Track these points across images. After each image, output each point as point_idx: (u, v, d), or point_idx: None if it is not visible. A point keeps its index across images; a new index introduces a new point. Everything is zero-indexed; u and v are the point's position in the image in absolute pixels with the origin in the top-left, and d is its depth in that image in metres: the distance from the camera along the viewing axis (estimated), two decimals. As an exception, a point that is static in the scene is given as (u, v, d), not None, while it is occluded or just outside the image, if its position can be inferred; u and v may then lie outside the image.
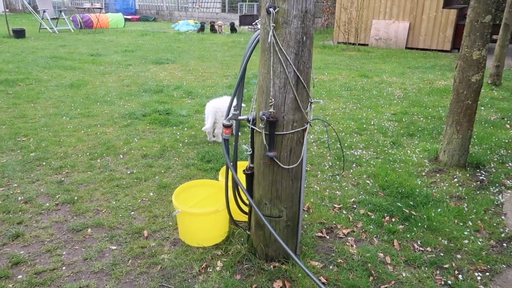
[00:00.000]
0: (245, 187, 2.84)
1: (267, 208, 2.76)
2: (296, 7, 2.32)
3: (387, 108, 6.93)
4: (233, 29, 18.52)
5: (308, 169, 4.51)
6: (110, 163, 4.51)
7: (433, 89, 8.27)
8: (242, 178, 2.85)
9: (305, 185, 2.89)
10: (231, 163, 2.78)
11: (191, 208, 3.11)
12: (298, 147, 2.62)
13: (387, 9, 14.25)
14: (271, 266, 2.85)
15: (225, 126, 2.71)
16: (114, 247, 3.09)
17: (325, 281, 2.76)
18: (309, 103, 2.63)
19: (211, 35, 17.62)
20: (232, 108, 2.73)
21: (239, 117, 2.72)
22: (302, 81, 2.47)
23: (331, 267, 2.92)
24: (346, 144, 5.21)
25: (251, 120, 2.68)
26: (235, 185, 2.96)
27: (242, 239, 3.13)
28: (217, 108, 5.11)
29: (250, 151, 2.77)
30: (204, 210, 3.00)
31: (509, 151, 5.11)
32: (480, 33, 4.05)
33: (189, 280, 2.76)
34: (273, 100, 2.48)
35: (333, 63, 11.23)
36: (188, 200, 3.29)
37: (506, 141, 5.43)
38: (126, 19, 21.30)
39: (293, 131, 2.55)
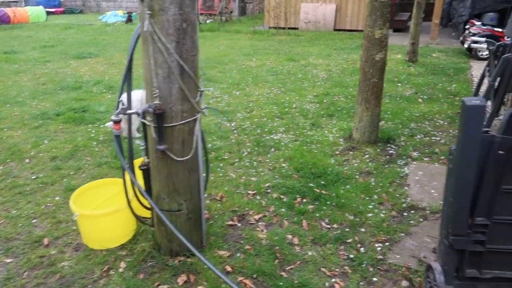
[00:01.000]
0: (143, 183, 2.74)
1: (165, 203, 2.69)
2: (170, -7, 2.23)
3: (310, 91, 7.06)
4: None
5: (226, 157, 4.48)
6: (13, 169, 4.20)
7: (356, 69, 8.53)
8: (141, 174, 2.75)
9: (203, 175, 2.83)
10: (125, 160, 2.67)
11: (90, 210, 2.97)
12: (190, 137, 2.56)
13: (313, -8, 14.47)
14: (176, 261, 2.80)
15: (114, 122, 2.58)
16: (9, 260, 2.88)
17: (230, 269, 2.76)
18: (199, 92, 2.57)
19: (140, 25, 16.97)
20: (120, 103, 2.61)
21: (128, 111, 2.61)
22: (188, 70, 2.40)
23: (238, 254, 2.92)
24: (266, 129, 5.24)
25: (141, 114, 2.58)
26: (147, 181, 2.86)
27: (149, 236, 3.05)
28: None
29: (143, 146, 2.67)
30: (103, 211, 2.88)
31: (419, 124, 5.40)
32: (380, 12, 4.18)
33: (89, 286, 2.64)
34: (157, 91, 2.39)
35: (262, 48, 11.26)
36: (92, 201, 3.14)
37: (417, 114, 5.73)
38: (49, 12, 20.00)
39: (183, 121, 2.49)
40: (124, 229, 3.01)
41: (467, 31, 9.69)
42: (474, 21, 9.98)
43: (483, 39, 8.25)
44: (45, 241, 3.07)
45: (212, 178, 4.01)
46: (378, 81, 4.40)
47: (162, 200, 2.69)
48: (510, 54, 4.45)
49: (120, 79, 7.73)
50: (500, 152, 2.18)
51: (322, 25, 14.41)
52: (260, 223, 3.32)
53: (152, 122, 2.45)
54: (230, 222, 3.32)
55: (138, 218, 2.99)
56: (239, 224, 3.31)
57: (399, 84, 7.36)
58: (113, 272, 2.75)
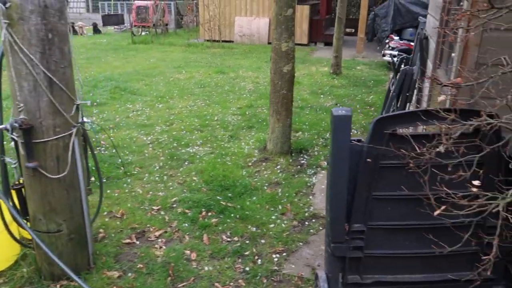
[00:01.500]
0: (17, 203, 2.55)
1: (42, 224, 2.52)
2: (31, 2, 2.11)
3: (235, 103, 7.08)
4: (96, 30, 17.41)
5: (135, 172, 4.33)
6: None
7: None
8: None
9: (85, 194, 2.69)
10: (-4, 179, 2.47)
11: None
12: (66, 153, 2.42)
13: (247, 6, 14.70)
14: (58, 286, 2.62)
15: (-21, 139, 2.39)
16: None
17: (117, 291, 2.63)
18: (75, 105, 2.44)
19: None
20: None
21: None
22: (58, 82, 2.28)
23: (129, 274, 2.79)
24: (183, 142, 5.15)
25: (10, 129, 2.40)
26: (22, 202, 2.65)
27: (31, 261, 2.84)
28: None
29: (15, 163, 2.49)
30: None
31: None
32: (285, 26, 4.28)
33: (-46, 319, 2.40)
34: (22, 105, 2.24)
35: (194, 61, 11.19)
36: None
37: (333, 125, 5.89)
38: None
39: (57, 137, 2.35)
40: (3, 254, 2.77)
41: (387, 45, 10.25)
42: (393, 35, 10.58)
43: (394, 52, 8.77)
44: None
45: (116, 194, 3.84)
46: (287, 93, 4.49)
47: (38, 221, 2.51)
48: (408, 66, 4.76)
49: None
50: (368, 160, 2.27)
51: (256, 38, 14.63)
52: (160, 240, 3.21)
53: (20, 138, 2.28)
54: (128, 240, 3.18)
55: (19, 242, 2.77)
56: (137, 242, 3.18)
57: (322, 96, 7.59)
58: (-16, 303, 2.52)
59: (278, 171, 4.37)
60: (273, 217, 3.50)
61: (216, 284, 2.76)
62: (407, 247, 2.44)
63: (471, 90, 2.51)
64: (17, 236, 2.76)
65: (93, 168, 4.10)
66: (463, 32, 2.39)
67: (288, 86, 4.47)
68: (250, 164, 4.55)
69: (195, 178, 4.20)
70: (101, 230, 3.24)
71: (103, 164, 4.40)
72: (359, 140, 2.32)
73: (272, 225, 3.40)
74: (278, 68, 4.42)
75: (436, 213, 1.92)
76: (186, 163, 4.61)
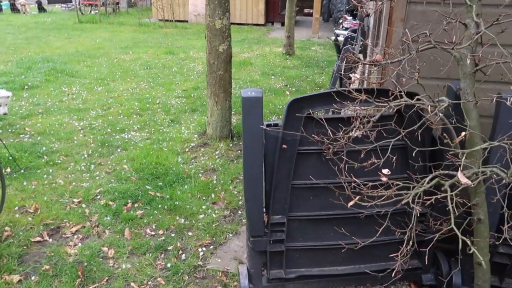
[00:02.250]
0: None
1: None
2: None
3: (181, 85, 6.73)
4: (41, 8, 16.31)
5: (59, 161, 3.97)
6: None
7: (235, 62, 8.30)
8: None
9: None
10: None
11: None
12: None
13: (202, -16, 14.13)
14: None
15: None
16: None
17: (15, 298, 2.33)
18: None
19: (11, 15, 15.20)
20: None
21: None
22: None
23: (33, 277, 2.50)
24: (118, 128, 4.81)
25: None
26: None
27: None
28: None
29: None
30: None
31: (281, 116, 5.37)
32: (218, 1, 3.98)
33: None
34: None
35: (143, 41, 10.65)
36: None
37: (280, 107, 5.71)
38: None
39: None
40: None
41: (340, 25, 10.11)
42: (346, 16, 10.46)
43: (345, 32, 8.65)
44: None
45: (33, 186, 3.49)
46: (224, 74, 4.22)
47: None
48: (349, 45, 4.60)
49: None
50: (283, 146, 2.06)
51: (212, 18, 14.14)
52: (75, 236, 2.92)
53: None
54: (38, 238, 2.87)
55: None
56: (49, 240, 2.88)
57: (273, 77, 7.37)
58: None
59: (216, 157, 4.14)
60: (204, 207, 3.27)
61: (132, 284, 2.52)
62: (332, 238, 2.28)
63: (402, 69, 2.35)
64: None
65: (10, 158, 3.74)
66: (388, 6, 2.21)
67: (224, 67, 4.20)
68: (187, 150, 4.29)
69: (125, 167, 3.89)
70: (7, 228, 2.90)
71: (23, 153, 4.01)
72: (276, 125, 2.11)
73: (201, 216, 3.17)
74: (213, 47, 4.13)
75: (350, 204, 1.75)
76: (119, 150, 4.28)
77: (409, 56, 1.76)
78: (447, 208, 1.55)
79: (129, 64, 8.08)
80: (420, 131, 1.73)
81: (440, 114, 1.88)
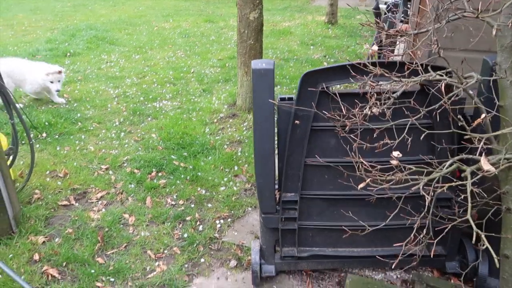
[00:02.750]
0: None
1: None
2: None
3: (217, 54, 6.66)
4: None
5: (92, 128, 4.08)
6: None
7: (274, 31, 8.18)
8: None
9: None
10: None
11: None
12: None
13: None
14: (-25, 251, 2.45)
15: None
16: None
17: (38, 258, 2.44)
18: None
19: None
20: None
21: None
22: None
23: (56, 239, 2.61)
24: (151, 97, 4.85)
25: None
26: None
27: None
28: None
29: None
30: None
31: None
32: (250, -34, 3.81)
33: None
34: None
35: (185, 9, 10.61)
36: None
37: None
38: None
39: None
40: None
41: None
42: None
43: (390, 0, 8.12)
44: None
45: (64, 152, 3.62)
46: (254, 43, 4.09)
47: None
48: (390, 14, 4.28)
49: (10, 43, 7.01)
50: (296, 122, 1.95)
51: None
52: (100, 202, 3.01)
53: None
54: (65, 202, 2.98)
55: None
56: (75, 204, 2.98)
57: (312, 47, 7.11)
58: None
59: (244, 128, 4.08)
60: (225, 179, 3.25)
61: (149, 251, 2.56)
62: (348, 219, 2.17)
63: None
64: None
65: (46, 124, 3.88)
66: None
67: (255, 36, 4.06)
68: (215, 120, 4.25)
69: (153, 136, 3.93)
70: (36, 191, 3.03)
71: (59, 119, 4.15)
72: (290, 99, 1.99)
73: (222, 188, 3.16)
74: (243, 15, 3.99)
75: (360, 186, 1.63)
76: (149, 118, 4.33)
77: (437, 25, 1.57)
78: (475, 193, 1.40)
79: (168, 32, 8.09)
80: (443, 110, 1.56)
81: (470, 92, 1.69)
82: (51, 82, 4.35)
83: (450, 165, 1.50)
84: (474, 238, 1.37)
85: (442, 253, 2.25)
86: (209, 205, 2.99)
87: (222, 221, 2.83)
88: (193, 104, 4.65)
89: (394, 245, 1.94)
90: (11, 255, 2.44)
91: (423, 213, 1.61)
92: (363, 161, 1.53)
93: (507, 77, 1.53)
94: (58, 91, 4.47)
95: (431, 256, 2.19)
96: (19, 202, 2.78)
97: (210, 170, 3.36)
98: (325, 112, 1.82)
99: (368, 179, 1.61)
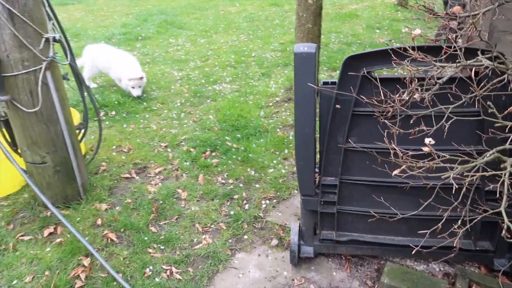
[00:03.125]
0: (7, 135, 2.68)
1: (28, 155, 2.63)
2: None
3: (279, 38, 6.68)
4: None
5: (155, 108, 4.35)
6: None
7: (339, 14, 7.99)
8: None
9: (68, 128, 2.69)
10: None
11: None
12: (42, 88, 2.43)
13: None
14: (49, 213, 2.78)
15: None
16: None
17: (100, 223, 2.72)
18: (43, 38, 2.39)
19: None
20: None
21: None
22: (19, 14, 2.22)
23: (117, 208, 2.87)
24: (212, 79, 5.03)
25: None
26: (10, 133, 2.79)
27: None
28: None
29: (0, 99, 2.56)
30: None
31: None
32: None
33: (-40, 234, 2.68)
34: (-16, 38, 2.24)
35: (252, -8, 10.67)
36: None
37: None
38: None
39: (26, 71, 2.35)
40: (9, 181, 2.98)
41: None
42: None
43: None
44: None
45: (130, 129, 3.91)
46: (312, 27, 4.06)
47: (24, 152, 2.63)
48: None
49: (90, 27, 7.57)
50: (337, 106, 1.95)
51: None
52: (157, 177, 3.24)
53: (-9, 71, 2.32)
54: (127, 175, 3.25)
55: (21, 169, 2.95)
56: (136, 177, 3.24)
57: (378, 31, 6.85)
58: (-14, 222, 2.77)
59: (298, 112, 4.09)
60: (275, 161, 3.33)
61: (197, 225, 2.73)
62: (389, 206, 2.15)
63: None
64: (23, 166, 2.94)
65: (115, 103, 4.20)
66: None
67: (314, 20, 4.02)
68: (271, 104, 4.32)
69: (210, 117, 4.11)
70: (103, 164, 3.34)
71: (127, 99, 4.48)
72: (334, 83, 2.00)
73: (271, 170, 3.24)
74: (303, -1, 3.97)
75: (394, 172, 1.62)
76: (208, 100, 4.51)
77: (485, 9, 1.49)
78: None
79: (234, 16, 8.23)
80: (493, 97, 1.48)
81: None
82: (133, 87, 4.41)
83: (491, 155, 1.44)
84: None
85: (490, 248, 2.15)
86: (257, 185, 3.09)
87: (267, 201, 2.92)
88: (251, 88, 4.75)
89: (438, 236, 1.89)
90: (78, 218, 2.74)
91: (466, 205, 1.56)
92: (396, 148, 1.51)
93: None
94: (138, 96, 4.47)
95: (476, 251, 2.12)
96: (87, 172, 3.08)
97: (261, 152, 3.45)
98: (363, 97, 1.81)
99: (403, 166, 1.60)
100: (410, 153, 1.49)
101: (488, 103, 1.41)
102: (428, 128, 1.53)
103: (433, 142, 1.45)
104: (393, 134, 1.73)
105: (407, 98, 1.57)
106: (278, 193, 2.99)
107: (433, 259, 2.37)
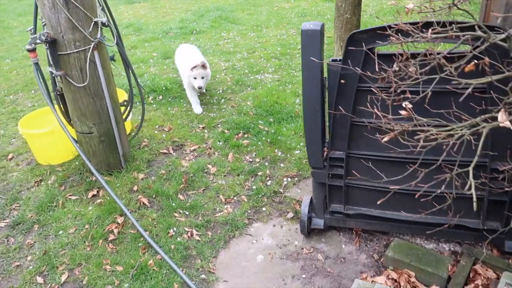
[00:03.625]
0: (62, 107, 3.07)
1: (78, 125, 3.01)
2: None
3: (328, 33, 6.73)
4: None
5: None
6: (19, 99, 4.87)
7: (393, 9, 7.84)
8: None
9: (112, 103, 3.02)
10: (44, 88, 2.98)
11: (28, 130, 3.35)
12: (90, 66, 2.78)
13: None
14: (94, 178, 3.15)
15: (29, 51, 2.88)
16: (-24, 167, 3.49)
17: (136, 189, 3.04)
18: (92, 22, 2.73)
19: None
20: (30, 32, 2.87)
21: (37, 41, 2.87)
22: (72, 0, 2.57)
23: (152, 178, 3.18)
24: (255, 70, 5.24)
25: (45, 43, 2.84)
26: (65, 106, 3.19)
27: (85, 157, 3.43)
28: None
29: (56, 73, 2.95)
30: (39, 131, 3.29)
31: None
32: None
33: (22, 192, 3.13)
34: (44, 20, 2.62)
35: (308, -11, 10.75)
36: (47, 124, 3.56)
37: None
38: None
39: (77, 50, 2.71)
40: (67, 149, 3.40)
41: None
42: None
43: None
44: (10, 155, 3.63)
45: (173, 112, 4.24)
46: (351, 17, 4.12)
47: (75, 122, 3.01)
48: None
49: (151, 22, 8.12)
50: (342, 81, 2.06)
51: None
52: (192, 153, 3.51)
53: (48, 49, 2.70)
54: (165, 151, 3.56)
55: (74, 139, 3.36)
56: (173, 153, 3.54)
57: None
58: (43, 183, 3.20)
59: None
60: (301, 143, 3.45)
61: (221, 196, 2.96)
62: (398, 182, 2.20)
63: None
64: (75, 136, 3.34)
65: (163, 88, 4.55)
66: None
67: (352, 10, 4.08)
68: (307, 92, 4.43)
69: (248, 103, 4.32)
70: (145, 140, 3.68)
71: (174, 85, 4.82)
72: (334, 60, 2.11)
73: (297, 152, 3.38)
74: (342, -11, 4.05)
75: (384, 139, 1.71)
76: (249, 88, 4.73)
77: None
78: None
79: (287, 11, 8.38)
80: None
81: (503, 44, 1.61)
82: (194, 78, 3.99)
83: (472, 124, 1.49)
84: None
85: (499, 229, 2.13)
86: (282, 165, 3.25)
87: (289, 179, 3.07)
88: (291, 78, 4.90)
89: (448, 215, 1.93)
90: (118, 184, 3.08)
91: (446, 181, 1.61)
92: (378, 113, 1.61)
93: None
94: (200, 88, 4.03)
95: (487, 232, 2.12)
96: (130, 146, 3.43)
97: (290, 135, 3.60)
98: (359, 71, 1.91)
99: (392, 134, 1.69)
100: (389, 116, 1.58)
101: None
102: (413, 96, 1.60)
103: (410, 105, 1.53)
104: (388, 106, 1.81)
105: (397, 69, 1.66)
106: (300, 172, 3.12)
107: (441, 238, 2.38)
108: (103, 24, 2.82)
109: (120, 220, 2.74)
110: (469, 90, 1.40)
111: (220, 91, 4.69)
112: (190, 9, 9.33)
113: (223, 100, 4.46)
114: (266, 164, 3.27)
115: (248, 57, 5.81)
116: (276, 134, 3.61)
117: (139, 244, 2.55)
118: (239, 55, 5.90)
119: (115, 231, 2.65)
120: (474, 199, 1.29)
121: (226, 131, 3.79)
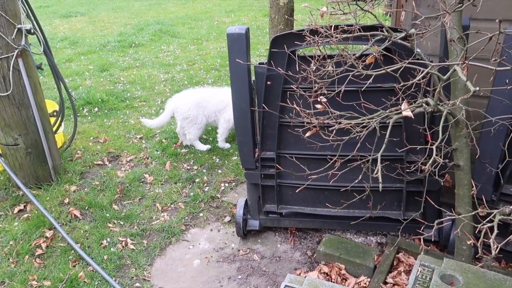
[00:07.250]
0: None
1: (1, 137, 2.85)
2: None
3: (266, 45, 6.92)
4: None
5: (136, 105, 4.58)
6: None
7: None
8: None
9: (38, 113, 2.91)
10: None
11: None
12: (14, 74, 2.66)
13: None
14: (21, 192, 2.98)
15: None
16: None
17: (67, 201, 2.91)
18: (16, 29, 2.63)
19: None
20: None
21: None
22: (-8, 6, 2.47)
23: (85, 189, 3.07)
24: (194, 81, 5.27)
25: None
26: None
27: (11, 171, 3.25)
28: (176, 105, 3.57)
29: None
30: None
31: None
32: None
33: None
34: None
35: (249, 5, 11.03)
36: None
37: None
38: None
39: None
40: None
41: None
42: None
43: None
44: None
45: (109, 123, 4.14)
46: (284, 28, 4.28)
47: (-2, 134, 2.85)
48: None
49: (88, 36, 7.90)
50: (268, 83, 2.14)
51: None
52: (128, 164, 3.44)
53: (-34, 57, 2.56)
54: (100, 162, 3.46)
55: (-1, 154, 3.17)
56: (108, 164, 3.44)
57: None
58: (-37, 201, 2.98)
59: (270, 109, 4.29)
60: (239, 150, 3.50)
61: (157, 204, 2.92)
62: (325, 180, 2.30)
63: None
64: None
65: (99, 100, 4.43)
66: None
67: (285, 21, 4.25)
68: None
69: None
70: (78, 152, 3.55)
71: (111, 97, 4.72)
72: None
73: (234, 158, 3.42)
74: (274, 1, 4.21)
75: (306, 135, 1.80)
76: (189, 99, 4.73)
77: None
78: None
79: (227, 25, 8.51)
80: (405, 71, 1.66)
81: (418, 50, 1.78)
82: None
83: (380, 115, 1.61)
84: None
85: (417, 218, 2.29)
86: (219, 171, 3.27)
87: (226, 184, 3.10)
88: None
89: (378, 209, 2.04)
90: (48, 198, 2.94)
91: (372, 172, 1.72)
92: (296, 107, 1.69)
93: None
94: None
95: (408, 222, 2.26)
96: (61, 158, 3.29)
97: (228, 142, 3.63)
98: (281, 71, 2.00)
99: (314, 129, 1.78)
100: (308, 111, 1.67)
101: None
102: (329, 91, 1.71)
103: (324, 99, 1.63)
104: (309, 103, 1.91)
105: (314, 68, 1.76)
106: (237, 177, 3.16)
107: (369, 231, 2.51)
108: (28, 31, 2.73)
109: (49, 234, 2.61)
110: (370, 80, 1.51)
111: (159, 102, 4.66)
112: (129, 23, 9.21)
113: (161, 110, 4.41)
114: (204, 170, 3.28)
115: (188, 69, 5.83)
116: (214, 142, 3.64)
117: (70, 257, 2.44)
118: (179, 67, 5.90)
119: (43, 245, 2.52)
120: (380, 179, 1.39)
121: (164, 140, 3.76)
